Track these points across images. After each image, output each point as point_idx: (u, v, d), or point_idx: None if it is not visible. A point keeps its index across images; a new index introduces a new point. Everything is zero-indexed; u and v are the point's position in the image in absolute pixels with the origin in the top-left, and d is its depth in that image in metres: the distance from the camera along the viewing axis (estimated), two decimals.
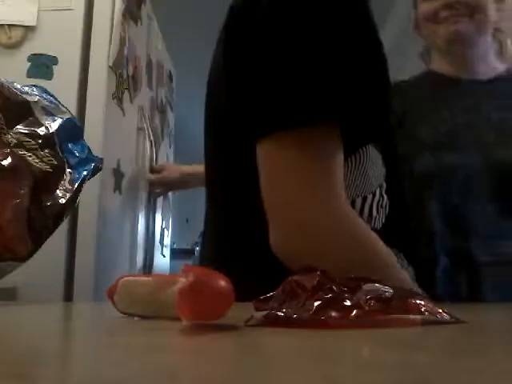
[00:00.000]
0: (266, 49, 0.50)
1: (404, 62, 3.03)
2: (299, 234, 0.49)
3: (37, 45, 1.52)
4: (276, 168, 0.50)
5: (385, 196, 0.60)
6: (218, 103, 0.60)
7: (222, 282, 0.32)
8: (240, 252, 0.59)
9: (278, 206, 0.50)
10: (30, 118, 0.57)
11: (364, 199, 0.57)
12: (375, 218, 0.58)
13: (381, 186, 0.59)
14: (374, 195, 0.58)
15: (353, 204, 0.56)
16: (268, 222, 0.50)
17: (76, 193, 0.57)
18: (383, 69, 0.54)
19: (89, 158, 0.60)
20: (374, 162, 0.59)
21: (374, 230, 0.54)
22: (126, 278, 0.38)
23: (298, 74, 0.49)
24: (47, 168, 0.55)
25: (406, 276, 0.54)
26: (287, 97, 0.48)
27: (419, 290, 0.55)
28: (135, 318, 0.37)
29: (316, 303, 0.31)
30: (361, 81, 0.51)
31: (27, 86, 0.60)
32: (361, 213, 0.57)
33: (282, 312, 0.32)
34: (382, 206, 0.59)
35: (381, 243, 0.52)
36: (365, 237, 0.51)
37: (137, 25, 1.89)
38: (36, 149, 0.55)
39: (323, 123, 0.49)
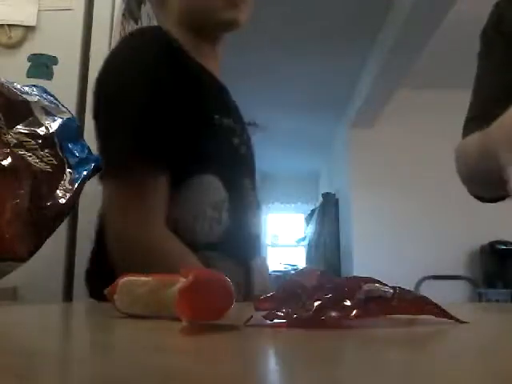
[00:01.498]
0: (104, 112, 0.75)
1: (405, 62, 3.03)
2: (118, 247, 0.71)
3: (37, 45, 1.52)
4: (110, 201, 0.73)
5: (224, 214, 0.75)
6: None
7: (222, 282, 0.32)
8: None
9: (110, 225, 0.72)
10: (30, 118, 0.57)
11: (195, 217, 0.73)
12: (207, 232, 0.74)
13: (216, 207, 0.75)
14: (205, 214, 0.74)
15: (182, 221, 0.74)
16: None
17: (76, 193, 0.57)
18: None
19: (89, 157, 0.60)
20: (206, 189, 0.75)
21: (207, 242, 0.73)
22: (126, 278, 0.38)
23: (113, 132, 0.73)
24: (47, 168, 0.55)
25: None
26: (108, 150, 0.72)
27: None
28: (135, 318, 0.37)
29: (316, 303, 0.31)
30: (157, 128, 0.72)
31: (27, 86, 0.60)
32: (193, 228, 0.74)
33: (282, 312, 0.32)
34: (218, 223, 0.75)
35: (177, 252, 0.71)
36: (162, 250, 0.71)
37: (137, 25, 1.89)
38: (36, 149, 0.55)
39: (140, 171, 0.70)
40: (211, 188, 0.76)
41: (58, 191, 0.55)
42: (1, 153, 0.53)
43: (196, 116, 0.76)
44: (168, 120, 0.72)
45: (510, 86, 0.76)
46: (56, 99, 0.61)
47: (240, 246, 0.78)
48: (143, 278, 0.38)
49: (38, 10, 1.51)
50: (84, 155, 0.60)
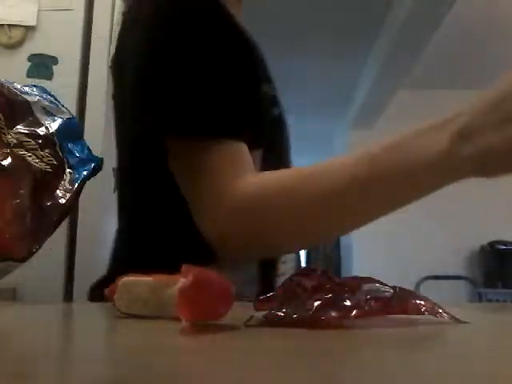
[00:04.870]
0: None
1: (405, 63, 3.03)
2: (231, 214, 0.55)
3: (37, 45, 1.52)
4: (200, 165, 0.57)
5: None
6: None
7: (222, 282, 0.32)
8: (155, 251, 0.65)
9: (206, 196, 0.56)
10: (30, 118, 0.57)
11: None
12: None
13: None
14: None
15: None
16: (195, 211, 0.57)
17: (76, 193, 0.57)
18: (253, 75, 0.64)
19: (89, 157, 0.60)
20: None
21: None
22: (126, 278, 0.38)
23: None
24: (47, 168, 0.55)
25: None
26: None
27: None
28: (135, 318, 0.37)
29: (316, 303, 0.31)
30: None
31: (27, 86, 0.60)
32: None
33: (282, 312, 0.32)
34: None
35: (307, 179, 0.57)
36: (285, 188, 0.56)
37: None
38: (36, 149, 0.55)
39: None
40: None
41: (57, 191, 0.55)
42: (1, 153, 0.53)
43: (244, 84, 0.64)
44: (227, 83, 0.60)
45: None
46: (56, 99, 0.61)
47: None
48: (143, 278, 0.38)
49: (38, 10, 1.51)
50: (84, 155, 0.60)
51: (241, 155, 0.58)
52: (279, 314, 0.32)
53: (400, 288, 0.35)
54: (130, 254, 0.69)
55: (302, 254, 5.87)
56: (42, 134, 0.56)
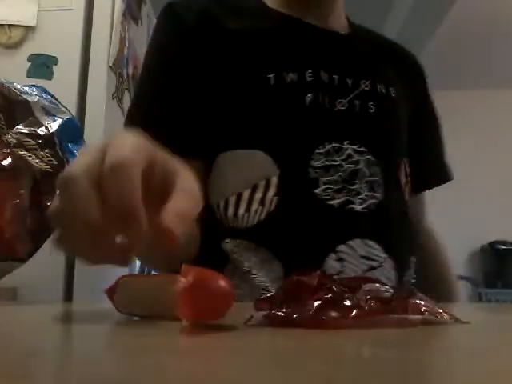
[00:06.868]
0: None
1: None
2: None
3: (37, 45, 1.52)
4: None
5: (270, 193, 0.61)
6: None
7: (222, 282, 0.32)
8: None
9: None
10: (30, 118, 0.57)
11: (226, 201, 0.63)
12: (243, 216, 0.62)
13: (258, 186, 0.62)
14: (239, 197, 0.62)
15: (214, 204, 0.63)
16: None
17: None
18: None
19: None
20: (242, 165, 0.63)
21: (240, 228, 0.61)
22: (125, 278, 0.38)
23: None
24: (47, 168, 0.55)
25: None
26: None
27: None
28: (135, 318, 0.37)
29: (316, 303, 0.31)
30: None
31: (27, 86, 0.60)
32: (223, 212, 0.63)
33: (282, 312, 0.32)
34: (261, 205, 0.61)
35: None
36: None
37: (137, 25, 1.89)
38: (36, 149, 0.55)
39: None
40: (249, 164, 0.63)
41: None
42: (1, 153, 0.53)
43: (236, 81, 0.65)
44: (180, 89, 0.64)
45: None
46: (56, 99, 0.61)
47: (300, 232, 0.61)
48: (143, 278, 0.38)
49: (38, 10, 1.51)
50: None
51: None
52: (279, 313, 0.32)
53: (400, 288, 0.35)
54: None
55: None
56: (42, 133, 0.56)
